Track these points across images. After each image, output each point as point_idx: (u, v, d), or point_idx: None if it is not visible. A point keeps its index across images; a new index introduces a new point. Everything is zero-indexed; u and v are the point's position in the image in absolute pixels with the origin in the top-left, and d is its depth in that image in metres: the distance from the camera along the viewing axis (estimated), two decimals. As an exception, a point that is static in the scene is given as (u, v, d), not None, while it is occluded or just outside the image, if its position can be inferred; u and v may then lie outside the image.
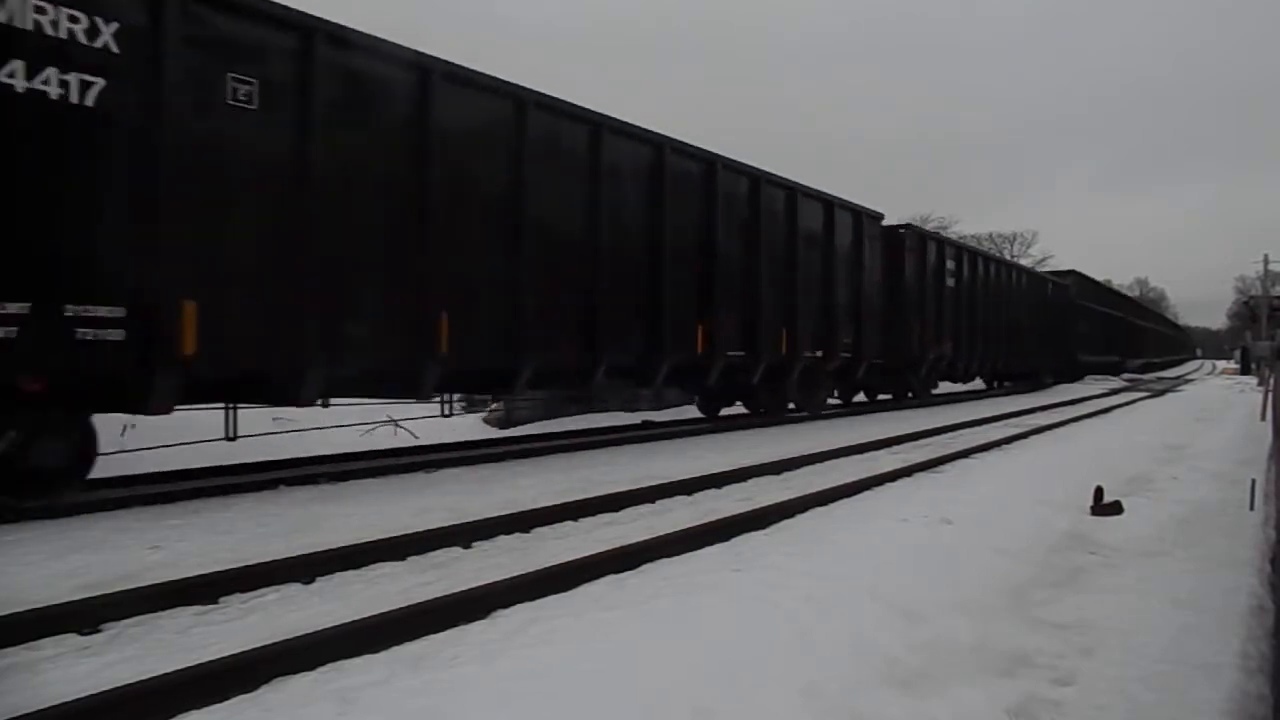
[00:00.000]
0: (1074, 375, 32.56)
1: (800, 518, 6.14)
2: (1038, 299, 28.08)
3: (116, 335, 5.83)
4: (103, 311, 5.76)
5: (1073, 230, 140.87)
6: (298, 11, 6.87)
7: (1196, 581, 4.83)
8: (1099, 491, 6.67)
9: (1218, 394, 25.76)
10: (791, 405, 14.78)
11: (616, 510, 6.49)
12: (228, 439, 9.84)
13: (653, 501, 6.88)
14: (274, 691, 3.07)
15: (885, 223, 17.25)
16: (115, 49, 5.75)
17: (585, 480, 7.67)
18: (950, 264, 20.47)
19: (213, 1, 6.29)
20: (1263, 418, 16.10)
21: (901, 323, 17.54)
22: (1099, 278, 49.67)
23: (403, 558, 4.99)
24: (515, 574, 4.39)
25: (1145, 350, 56.12)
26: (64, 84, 5.54)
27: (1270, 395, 17.38)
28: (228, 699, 2.99)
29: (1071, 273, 36.44)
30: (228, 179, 6.51)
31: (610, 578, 4.49)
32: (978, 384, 26.43)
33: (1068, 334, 31.61)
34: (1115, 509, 6.50)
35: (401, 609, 3.82)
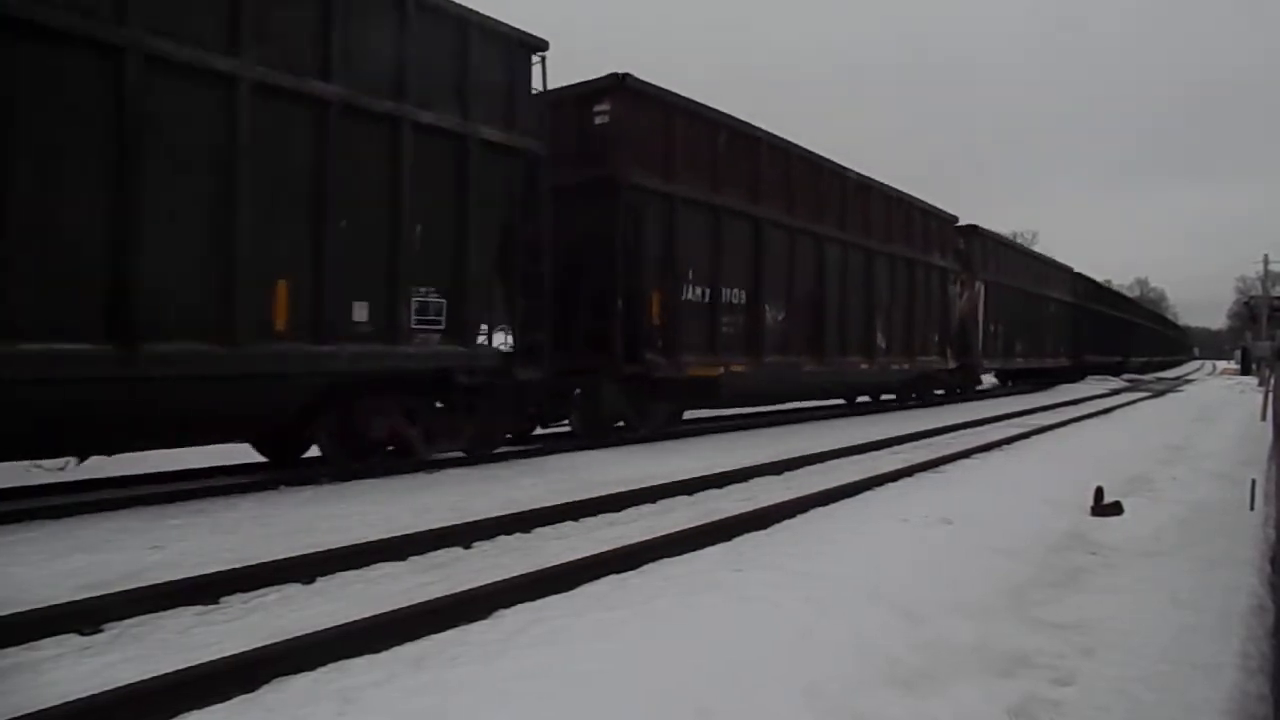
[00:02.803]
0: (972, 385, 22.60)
1: (801, 518, 6.15)
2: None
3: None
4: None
5: (1073, 230, 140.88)
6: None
7: (1196, 581, 4.83)
8: (1099, 492, 6.68)
9: (1218, 394, 25.78)
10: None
11: (618, 510, 6.50)
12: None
13: (654, 501, 6.88)
14: (275, 691, 3.08)
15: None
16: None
17: (586, 480, 7.67)
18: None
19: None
20: (1263, 418, 16.11)
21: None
22: (1099, 278, 41.51)
23: (404, 558, 5.00)
24: (517, 574, 4.39)
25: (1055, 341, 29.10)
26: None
27: (1270, 395, 17.39)
28: (229, 699, 3.00)
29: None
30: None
31: (612, 578, 4.49)
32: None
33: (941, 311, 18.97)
34: (1115, 509, 6.50)
35: (403, 609, 3.82)
